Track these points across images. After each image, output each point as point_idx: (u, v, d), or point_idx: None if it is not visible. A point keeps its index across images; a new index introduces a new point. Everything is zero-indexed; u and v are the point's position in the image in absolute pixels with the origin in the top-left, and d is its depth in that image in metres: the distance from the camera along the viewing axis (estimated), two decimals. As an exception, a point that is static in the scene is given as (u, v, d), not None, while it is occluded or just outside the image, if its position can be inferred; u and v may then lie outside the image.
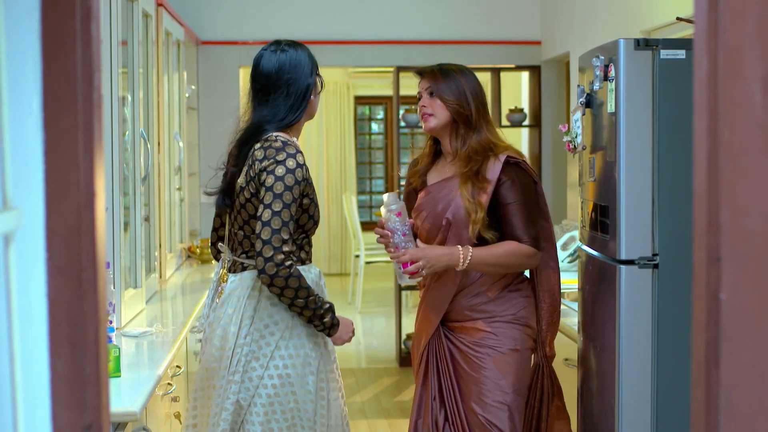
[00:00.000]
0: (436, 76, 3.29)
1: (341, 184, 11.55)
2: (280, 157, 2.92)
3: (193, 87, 6.53)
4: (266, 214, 2.87)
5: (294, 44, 3.10)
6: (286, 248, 2.86)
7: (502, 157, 3.22)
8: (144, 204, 4.35)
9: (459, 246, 3.16)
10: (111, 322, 3.31)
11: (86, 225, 1.36)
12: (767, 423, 1.21)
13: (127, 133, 3.99)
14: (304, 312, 2.94)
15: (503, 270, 3.24)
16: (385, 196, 3.17)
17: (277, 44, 3.10)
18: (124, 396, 2.76)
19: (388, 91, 11.32)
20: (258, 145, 2.98)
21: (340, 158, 11.60)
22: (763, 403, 1.20)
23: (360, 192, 12.02)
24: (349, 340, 3.10)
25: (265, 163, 2.93)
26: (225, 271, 3.09)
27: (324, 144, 11.55)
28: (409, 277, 3.13)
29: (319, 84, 3.11)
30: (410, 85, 8.90)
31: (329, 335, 3.02)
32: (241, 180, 3.02)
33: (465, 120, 3.24)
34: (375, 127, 12.42)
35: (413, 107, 7.50)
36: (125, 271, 3.83)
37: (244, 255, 3.04)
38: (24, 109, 1.34)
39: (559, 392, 3.38)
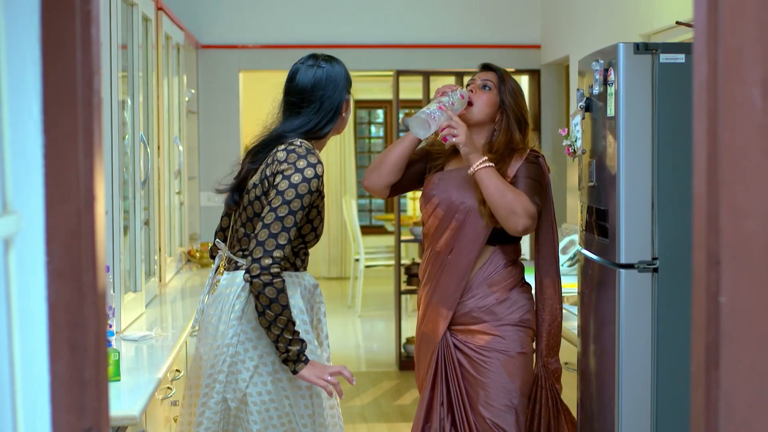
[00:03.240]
0: (504, 78, 3.43)
1: (341, 188, 11.55)
2: (300, 164, 2.90)
3: (192, 91, 6.53)
4: (269, 217, 2.85)
5: (330, 59, 3.10)
6: (277, 254, 2.80)
7: (525, 153, 3.30)
8: (144, 208, 4.35)
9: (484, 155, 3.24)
10: (111, 326, 3.30)
11: (86, 228, 1.36)
12: (767, 425, 1.20)
13: (126, 136, 3.99)
14: (272, 328, 2.81)
15: (500, 205, 3.16)
16: (460, 90, 3.36)
17: (314, 59, 3.08)
18: (123, 400, 2.76)
19: (388, 95, 11.32)
20: (282, 147, 2.97)
21: (339, 162, 11.61)
22: (763, 406, 1.20)
23: (360, 196, 12.02)
24: (323, 385, 2.86)
25: (284, 166, 2.91)
26: (222, 267, 3.09)
27: (324, 147, 11.55)
28: (439, 129, 3.24)
29: (351, 101, 3.13)
30: (409, 89, 8.91)
31: (293, 370, 2.84)
32: (255, 177, 3.00)
33: (518, 123, 3.34)
34: (374, 130, 12.43)
35: (412, 111, 7.50)
36: (125, 275, 3.83)
37: (240, 253, 3.01)
38: (24, 112, 1.34)
39: (566, 411, 3.35)
